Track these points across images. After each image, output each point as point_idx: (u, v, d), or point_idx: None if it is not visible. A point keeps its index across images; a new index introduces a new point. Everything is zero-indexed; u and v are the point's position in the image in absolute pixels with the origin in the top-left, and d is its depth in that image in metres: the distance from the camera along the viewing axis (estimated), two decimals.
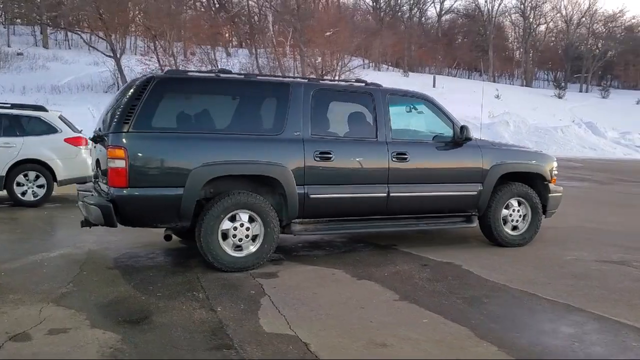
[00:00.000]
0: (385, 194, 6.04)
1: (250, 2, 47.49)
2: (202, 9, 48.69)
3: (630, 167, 23.39)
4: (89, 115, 26.62)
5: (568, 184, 13.42)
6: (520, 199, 6.79)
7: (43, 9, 39.25)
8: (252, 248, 5.53)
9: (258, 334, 3.91)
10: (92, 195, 5.84)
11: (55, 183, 9.51)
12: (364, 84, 6.37)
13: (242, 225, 5.46)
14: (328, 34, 34.46)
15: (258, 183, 5.66)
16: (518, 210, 6.80)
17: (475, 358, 3.61)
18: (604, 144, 32.35)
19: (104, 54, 34.90)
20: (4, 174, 9.15)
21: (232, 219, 5.43)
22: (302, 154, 5.66)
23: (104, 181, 5.41)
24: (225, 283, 5.09)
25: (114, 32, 35.99)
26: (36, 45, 42.53)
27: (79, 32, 40.50)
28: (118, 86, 34.64)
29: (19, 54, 37.98)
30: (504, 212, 6.71)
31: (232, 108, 5.71)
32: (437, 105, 6.60)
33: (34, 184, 9.35)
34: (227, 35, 49.61)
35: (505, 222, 6.74)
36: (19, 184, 9.27)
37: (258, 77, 6.35)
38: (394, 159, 6.05)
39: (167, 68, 34.06)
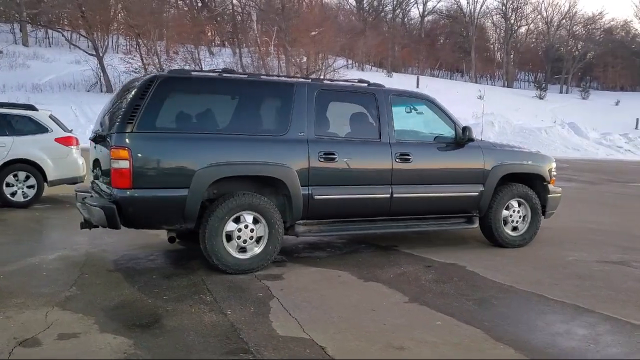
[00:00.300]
0: (388, 195, 6.01)
1: (233, 1, 47.28)
2: (185, 8, 48.32)
3: (614, 168, 23.69)
4: (71, 114, 26.30)
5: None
6: (520, 199, 6.80)
7: (23, 6, 38.64)
8: (257, 250, 5.46)
9: (272, 338, 3.85)
10: (92, 196, 5.73)
11: (45, 183, 9.32)
12: (366, 84, 6.34)
13: (246, 226, 5.39)
14: (313, 33, 34.42)
15: (261, 184, 5.59)
16: (518, 211, 6.81)
17: None
18: (586, 144, 32.75)
19: (87, 53, 34.52)
20: None
21: (237, 220, 5.36)
22: (307, 154, 5.60)
23: (106, 181, 5.30)
24: (231, 285, 5.02)
25: (96, 30, 35.55)
26: (16, 43, 41.87)
27: (60, 30, 40.00)
28: (101, 85, 34.32)
29: None
30: (504, 212, 6.72)
31: (236, 108, 5.63)
32: (438, 106, 6.58)
33: (24, 185, 9.15)
34: (209, 34, 49.33)
35: (505, 222, 6.75)
36: (8, 185, 9.06)
37: (262, 76, 6.27)
38: (397, 160, 6.02)
39: (150, 67, 33.83)
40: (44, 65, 37.22)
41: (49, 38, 45.25)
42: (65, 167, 9.41)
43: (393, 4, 64.42)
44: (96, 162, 5.89)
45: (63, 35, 40.27)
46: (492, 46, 72.90)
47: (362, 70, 51.72)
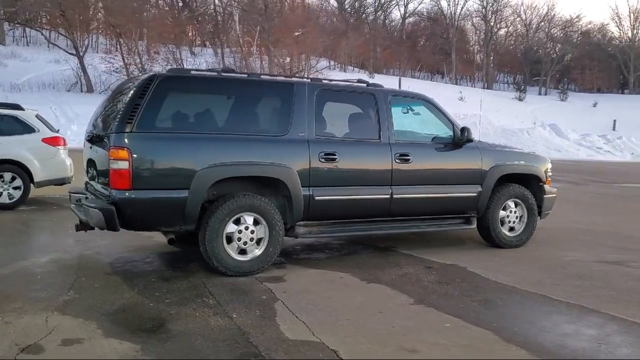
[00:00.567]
0: (388, 196, 5.97)
1: (215, 1, 46.96)
2: (166, 8, 47.88)
3: (596, 168, 24.01)
4: (51, 114, 25.86)
5: None
6: (517, 200, 6.81)
7: (0, 3, 37.97)
8: (257, 252, 5.38)
9: (282, 341, 3.79)
10: (87, 197, 5.60)
11: (32, 184, 9.11)
12: (366, 84, 6.29)
13: (246, 228, 5.31)
14: (297, 34, 34.34)
15: (261, 185, 5.51)
16: (515, 212, 6.82)
17: None
18: (567, 145, 33.16)
19: (67, 52, 34.01)
20: None
21: (237, 221, 5.28)
22: (308, 155, 5.54)
23: (104, 182, 5.18)
24: (233, 288, 4.93)
25: (75, 29, 35.03)
26: None
27: (39, 29, 39.35)
28: (81, 85, 33.85)
29: None
30: (501, 213, 6.73)
31: (237, 108, 5.54)
32: (436, 106, 6.57)
33: (9, 186, 8.93)
34: (190, 34, 48.97)
35: (502, 223, 6.76)
36: None
37: (262, 76, 6.19)
38: (397, 160, 5.99)
39: (132, 67, 33.47)
40: (22, 65, 36.61)
41: (27, 37, 44.54)
42: (52, 168, 9.22)
43: (375, 6, 64.66)
44: (90, 163, 5.77)
45: (42, 34, 39.61)
46: (472, 48, 73.47)
47: (345, 71, 51.69)
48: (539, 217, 7.04)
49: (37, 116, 9.46)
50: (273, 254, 5.44)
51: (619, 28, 77.45)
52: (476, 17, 68.40)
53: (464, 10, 69.52)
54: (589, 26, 70.71)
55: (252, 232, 5.33)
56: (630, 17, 67.53)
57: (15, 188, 8.97)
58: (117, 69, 33.37)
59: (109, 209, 4.86)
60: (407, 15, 68.02)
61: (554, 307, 4.67)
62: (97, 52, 38.55)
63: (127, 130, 4.89)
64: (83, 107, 28.83)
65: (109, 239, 6.56)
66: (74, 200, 5.88)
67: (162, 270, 5.52)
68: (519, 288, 5.17)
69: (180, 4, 48.64)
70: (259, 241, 5.38)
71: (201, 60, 38.56)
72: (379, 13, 66.29)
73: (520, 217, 6.87)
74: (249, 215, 5.31)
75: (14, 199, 8.95)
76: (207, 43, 50.18)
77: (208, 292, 4.80)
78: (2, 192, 8.89)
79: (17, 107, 9.34)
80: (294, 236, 5.76)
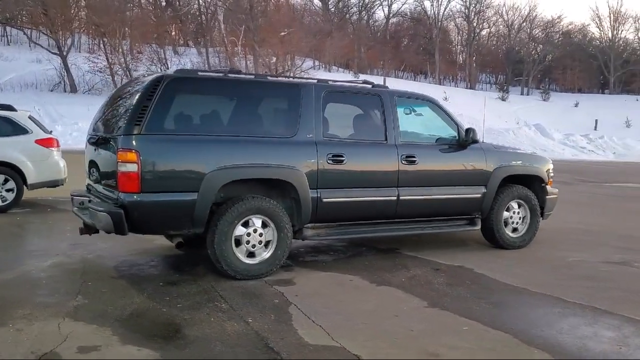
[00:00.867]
0: (395, 197, 5.94)
1: (199, 0, 46.64)
2: (150, 7, 47.42)
3: (582, 168, 24.23)
4: (35, 114, 25.42)
5: None
6: (520, 201, 6.83)
7: None
8: (265, 254, 5.32)
9: (303, 346, 3.74)
10: (90, 200, 5.49)
11: (25, 187, 8.94)
12: (371, 85, 6.26)
13: (255, 231, 5.24)
14: (283, 34, 34.22)
15: (269, 187, 5.45)
16: (518, 213, 6.83)
17: None
18: (552, 145, 33.48)
19: (49, 51, 33.52)
20: None
21: (245, 224, 5.21)
22: (316, 156, 5.49)
23: (110, 184, 5.09)
24: (243, 292, 4.87)
25: (58, 28, 34.53)
26: None
27: (20, 28, 38.74)
28: (65, 85, 33.40)
29: None
30: (505, 214, 6.74)
31: (244, 109, 5.46)
32: (441, 107, 6.56)
33: (2, 188, 8.73)
34: (173, 34, 48.58)
35: (506, 224, 6.76)
36: None
37: (268, 77, 6.13)
38: (403, 162, 5.96)
39: (116, 66, 33.11)
40: (3, 64, 35.93)
41: (7, 36, 43.81)
42: (46, 169, 9.05)
43: (359, 6, 64.72)
44: (93, 165, 5.66)
45: (24, 33, 38.97)
46: (455, 48, 73.83)
47: (329, 71, 51.65)
48: (541, 218, 7.06)
49: (30, 117, 9.29)
50: (281, 257, 5.38)
51: (600, 29, 78.11)
52: (459, 17, 68.83)
53: (447, 10, 69.71)
54: (570, 27, 71.39)
55: (261, 234, 5.27)
56: (610, 17, 68.39)
57: (8, 190, 8.78)
58: (101, 68, 32.98)
59: (117, 213, 4.77)
60: (390, 15, 68.18)
61: (567, 308, 4.67)
62: (80, 52, 37.99)
63: (136, 132, 4.80)
64: (67, 107, 28.51)
65: (109, 242, 6.45)
66: (76, 203, 5.77)
67: (169, 274, 5.44)
68: (530, 290, 5.16)
69: (163, 3, 48.23)
70: (267, 244, 5.32)
71: (186, 60, 38.22)
72: (362, 13, 66.35)
73: (524, 218, 6.88)
74: (258, 217, 5.25)
75: (7, 202, 8.77)
76: (190, 43, 49.82)
77: (219, 296, 4.73)
78: None
79: (9, 107, 9.13)
80: (302, 238, 5.70)
